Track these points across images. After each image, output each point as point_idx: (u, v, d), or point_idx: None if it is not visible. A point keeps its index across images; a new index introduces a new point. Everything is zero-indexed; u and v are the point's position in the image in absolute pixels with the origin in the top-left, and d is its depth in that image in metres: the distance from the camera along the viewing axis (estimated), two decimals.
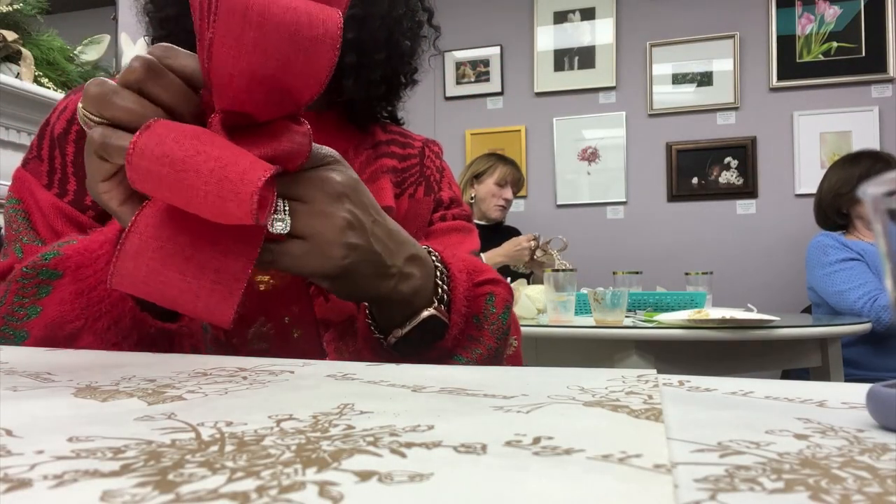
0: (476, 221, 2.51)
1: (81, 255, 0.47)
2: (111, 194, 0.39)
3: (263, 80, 0.36)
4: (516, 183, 2.53)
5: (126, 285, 0.38)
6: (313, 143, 0.41)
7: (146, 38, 0.67)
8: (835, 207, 2.12)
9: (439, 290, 0.51)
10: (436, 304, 0.50)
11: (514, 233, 2.59)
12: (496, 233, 2.49)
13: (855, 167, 2.08)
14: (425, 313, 0.50)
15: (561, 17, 3.19)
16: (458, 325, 0.51)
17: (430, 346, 0.51)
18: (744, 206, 2.95)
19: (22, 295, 0.47)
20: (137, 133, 0.35)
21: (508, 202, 2.53)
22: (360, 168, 0.68)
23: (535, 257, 2.27)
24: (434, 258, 0.52)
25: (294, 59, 0.36)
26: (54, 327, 0.47)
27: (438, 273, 0.52)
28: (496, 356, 0.55)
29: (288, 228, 0.40)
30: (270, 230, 0.40)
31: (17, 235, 0.57)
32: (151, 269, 0.38)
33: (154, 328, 0.49)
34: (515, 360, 0.62)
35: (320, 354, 0.59)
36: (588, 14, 3.15)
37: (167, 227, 0.38)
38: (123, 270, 0.38)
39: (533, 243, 2.25)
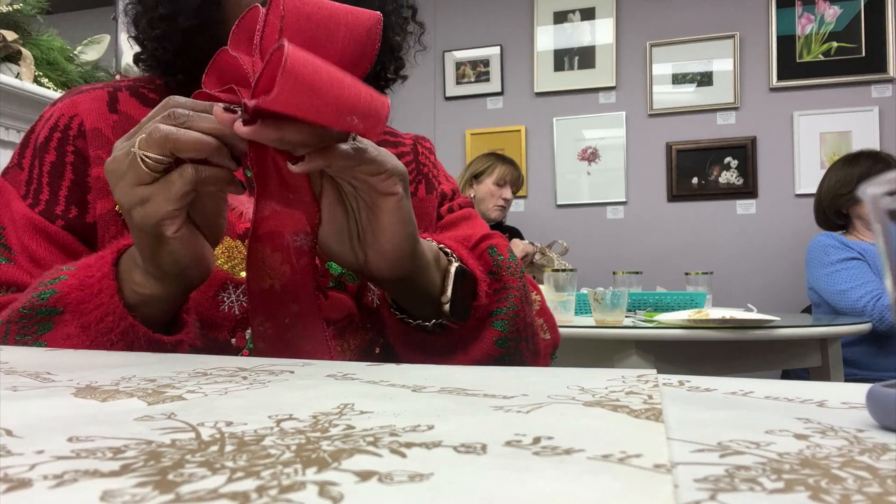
0: None
1: (81, 291, 0.48)
2: (171, 224, 0.44)
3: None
4: (515, 182, 2.53)
5: (286, 96, 0.39)
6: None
7: (130, 38, 0.67)
8: (834, 208, 2.12)
9: (447, 258, 0.54)
10: (453, 262, 0.53)
11: (514, 233, 2.59)
12: None
13: (855, 167, 2.08)
14: (453, 268, 0.52)
15: (561, 17, 3.19)
16: (483, 284, 0.54)
17: (470, 309, 0.53)
18: (744, 206, 2.95)
19: (24, 333, 0.48)
20: (284, 46, 0.39)
21: (508, 202, 2.53)
22: None
23: (534, 261, 2.28)
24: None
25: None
26: None
27: (434, 246, 0.54)
28: (526, 296, 0.58)
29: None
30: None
31: None
32: (317, 69, 0.39)
33: (169, 344, 0.50)
34: (546, 315, 0.64)
35: (326, 353, 0.59)
36: (588, 14, 3.15)
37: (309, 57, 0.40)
38: (290, 79, 0.38)
39: (530, 247, 2.27)
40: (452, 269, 0.52)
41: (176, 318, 0.52)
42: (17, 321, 0.49)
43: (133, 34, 0.66)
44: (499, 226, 2.56)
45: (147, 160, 0.42)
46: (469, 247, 0.56)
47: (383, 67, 0.71)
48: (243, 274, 0.61)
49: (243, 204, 0.63)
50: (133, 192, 0.43)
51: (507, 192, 2.51)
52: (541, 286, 1.76)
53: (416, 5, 0.75)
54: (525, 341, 0.57)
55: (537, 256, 2.28)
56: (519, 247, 2.30)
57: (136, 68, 0.69)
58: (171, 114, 0.43)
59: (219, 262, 0.60)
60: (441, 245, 0.55)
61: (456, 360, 0.54)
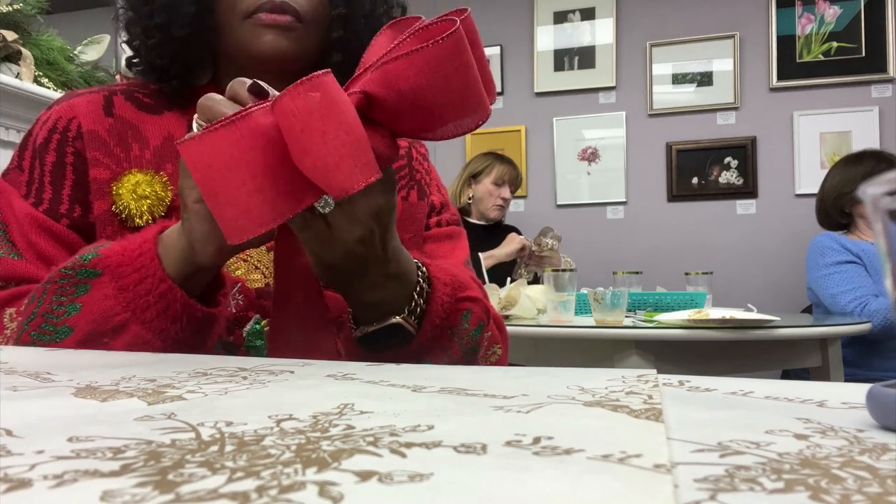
0: (475, 221, 2.51)
1: (121, 255, 0.49)
2: (194, 191, 0.46)
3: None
4: (514, 182, 2.53)
5: (192, 155, 0.41)
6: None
7: (123, 43, 0.68)
8: (837, 207, 2.12)
9: (413, 304, 0.53)
10: (406, 314, 0.53)
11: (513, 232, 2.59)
12: (496, 232, 2.49)
13: (858, 166, 2.08)
14: (392, 320, 0.52)
15: (561, 17, 3.19)
16: (427, 334, 0.54)
17: (394, 348, 0.53)
18: (744, 206, 2.95)
19: (61, 294, 0.49)
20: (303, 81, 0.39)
21: (507, 201, 2.53)
22: None
23: (532, 252, 2.29)
24: (420, 273, 0.54)
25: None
26: (100, 321, 0.48)
27: (419, 289, 0.54)
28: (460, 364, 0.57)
29: (327, 211, 0.45)
30: (315, 203, 0.43)
31: None
32: (230, 157, 0.40)
33: (201, 313, 0.51)
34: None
35: (334, 353, 0.59)
36: (588, 14, 3.15)
37: (266, 141, 0.40)
38: (204, 146, 0.40)
39: (526, 241, 2.29)
40: (391, 321, 0.52)
41: (211, 298, 0.53)
42: (56, 280, 0.50)
43: (125, 39, 0.67)
44: (497, 225, 2.56)
45: (195, 127, 0.45)
46: (456, 297, 0.56)
47: None
48: (238, 273, 0.61)
49: None
50: None
51: (506, 192, 2.50)
52: (540, 286, 1.77)
53: (406, 4, 0.75)
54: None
55: (535, 248, 2.29)
56: (516, 240, 2.31)
57: None
58: (230, 86, 0.45)
59: None
60: (427, 281, 0.55)
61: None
